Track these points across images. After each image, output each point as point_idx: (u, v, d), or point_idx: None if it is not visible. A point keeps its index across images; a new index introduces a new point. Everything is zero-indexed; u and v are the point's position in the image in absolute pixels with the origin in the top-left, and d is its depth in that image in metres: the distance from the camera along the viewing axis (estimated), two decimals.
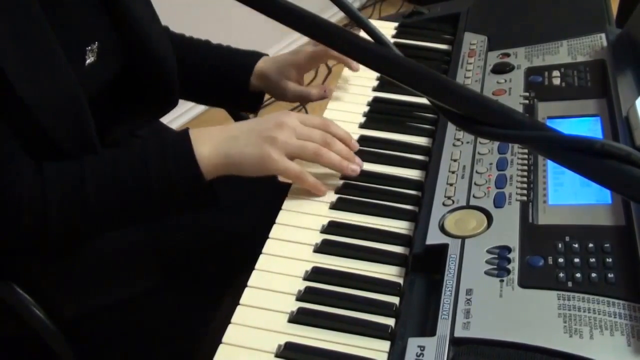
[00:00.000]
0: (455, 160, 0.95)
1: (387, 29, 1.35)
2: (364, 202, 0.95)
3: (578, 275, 0.73)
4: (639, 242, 0.74)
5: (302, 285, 0.82)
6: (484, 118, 0.47)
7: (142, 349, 1.04)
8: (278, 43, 2.79)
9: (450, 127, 1.02)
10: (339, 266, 0.85)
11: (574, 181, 0.86)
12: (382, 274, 0.84)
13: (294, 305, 0.80)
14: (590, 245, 0.76)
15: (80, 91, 0.90)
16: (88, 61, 0.95)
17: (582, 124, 0.97)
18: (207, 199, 0.93)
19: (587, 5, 1.24)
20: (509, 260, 0.77)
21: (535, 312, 0.71)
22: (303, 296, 0.81)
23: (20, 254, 0.96)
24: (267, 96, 1.25)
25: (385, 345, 0.75)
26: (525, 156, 0.92)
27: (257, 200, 1.11)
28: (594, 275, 0.73)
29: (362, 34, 0.53)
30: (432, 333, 0.71)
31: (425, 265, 0.82)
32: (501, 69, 1.12)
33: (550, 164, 0.90)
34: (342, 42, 0.51)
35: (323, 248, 0.87)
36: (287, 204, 0.95)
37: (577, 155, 0.44)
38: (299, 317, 0.78)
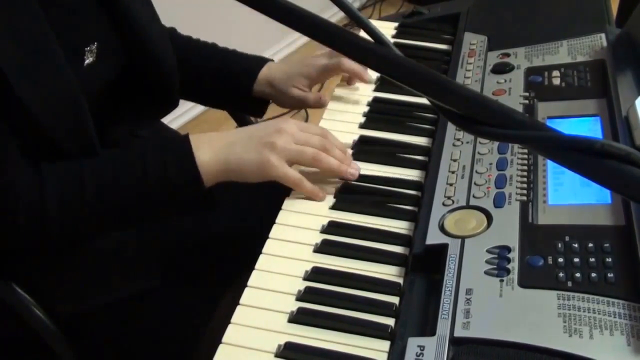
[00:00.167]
0: (455, 160, 0.95)
1: (387, 29, 1.35)
2: (364, 202, 0.95)
3: (578, 275, 0.73)
4: (639, 242, 0.74)
5: (302, 285, 0.82)
6: (484, 118, 0.47)
7: (141, 348, 1.04)
8: (278, 43, 2.80)
9: (450, 127, 1.02)
10: (339, 266, 0.85)
11: (574, 181, 0.86)
12: (382, 274, 0.84)
13: (294, 305, 0.80)
14: (590, 245, 0.76)
15: (80, 91, 0.90)
16: (87, 61, 0.95)
17: (582, 124, 0.97)
18: (205, 204, 0.93)
19: (587, 5, 1.24)
20: (508, 260, 0.77)
21: (535, 312, 0.71)
22: (303, 296, 0.81)
23: (19, 254, 0.96)
24: None
25: (385, 345, 0.75)
26: (525, 156, 0.92)
27: (256, 200, 1.11)
28: (593, 275, 0.73)
29: (362, 34, 0.54)
30: (432, 333, 0.71)
31: (425, 265, 0.82)
32: (501, 69, 1.12)
33: (550, 164, 0.90)
34: (342, 42, 0.51)
35: (323, 248, 0.87)
36: (287, 204, 0.95)
37: (577, 155, 0.44)
38: (299, 317, 0.78)
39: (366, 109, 1.15)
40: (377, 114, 1.14)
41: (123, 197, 0.90)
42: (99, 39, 0.97)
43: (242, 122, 1.37)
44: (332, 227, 0.90)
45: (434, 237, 0.83)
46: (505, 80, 1.10)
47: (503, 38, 1.20)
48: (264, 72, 1.18)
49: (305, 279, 0.83)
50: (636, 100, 0.92)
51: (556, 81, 1.06)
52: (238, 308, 0.80)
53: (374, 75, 1.20)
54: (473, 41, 1.22)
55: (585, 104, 1.00)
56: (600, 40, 1.12)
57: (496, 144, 0.95)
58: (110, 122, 1.03)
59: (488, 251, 0.79)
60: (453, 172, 0.93)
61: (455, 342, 0.70)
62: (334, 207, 0.94)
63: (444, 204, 0.88)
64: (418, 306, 0.78)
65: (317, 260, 0.86)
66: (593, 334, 0.67)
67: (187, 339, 1.03)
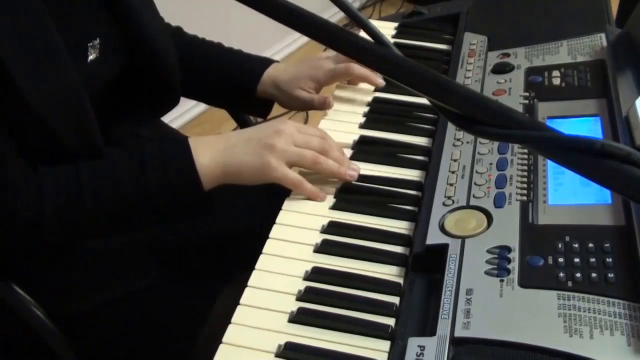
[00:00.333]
0: (455, 160, 0.95)
1: (387, 29, 1.35)
2: (364, 202, 0.95)
3: (578, 275, 0.73)
4: (639, 242, 0.74)
5: (302, 285, 0.82)
6: (484, 118, 0.47)
7: (141, 348, 1.04)
8: (278, 43, 2.80)
9: (450, 127, 1.02)
10: (339, 266, 0.85)
11: (574, 181, 0.86)
12: (382, 274, 0.84)
13: (294, 305, 0.80)
14: (590, 245, 0.76)
15: (82, 88, 0.90)
16: (90, 57, 0.95)
17: (582, 124, 0.97)
18: (204, 208, 0.93)
19: (587, 5, 1.24)
20: (509, 260, 0.77)
21: (535, 312, 0.71)
22: (303, 296, 0.81)
23: (17, 257, 0.96)
24: None
25: (386, 345, 0.75)
26: (525, 156, 0.92)
27: (256, 200, 1.11)
28: (594, 275, 0.73)
29: (362, 34, 0.54)
30: (432, 333, 0.71)
31: (425, 265, 0.82)
32: (501, 69, 1.12)
33: (550, 164, 0.90)
34: (342, 42, 0.51)
35: (323, 248, 0.87)
36: (287, 204, 0.95)
37: (577, 155, 0.44)
38: (299, 317, 0.78)
39: (366, 109, 1.15)
40: (377, 114, 1.14)
41: (122, 202, 0.90)
42: (101, 35, 0.97)
43: (242, 122, 1.37)
44: (332, 227, 0.90)
45: (434, 237, 0.83)
46: (505, 80, 1.10)
47: (503, 38, 1.20)
48: (269, 72, 1.18)
49: (306, 279, 0.83)
50: (636, 100, 0.92)
51: (556, 81, 1.06)
52: (238, 308, 0.80)
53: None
54: (473, 41, 1.22)
55: (585, 104, 1.00)
56: (600, 40, 1.12)
57: (496, 144, 0.95)
58: (111, 120, 1.03)
59: (488, 251, 0.79)
60: (453, 172, 0.93)
61: (455, 342, 0.70)
62: (334, 207, 0.94)
63: (444, 204, 0.88)
64: (418, 306, 0.78)
65: (317, 260, 0.86)
66: (593, 334, 0.67)
67: (187, 338, 1.04)
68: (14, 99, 0.84)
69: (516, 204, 0.85)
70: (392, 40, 1.14)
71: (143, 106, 1.12)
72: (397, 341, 0.74)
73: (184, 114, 2.45)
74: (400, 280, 0.83)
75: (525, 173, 0.90)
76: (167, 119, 1.28)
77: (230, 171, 0.92)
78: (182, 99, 1.16)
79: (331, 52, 1.19)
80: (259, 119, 1.35)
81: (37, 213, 0.86)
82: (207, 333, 1.01)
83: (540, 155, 0.90)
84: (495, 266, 0.77)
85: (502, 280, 0.75)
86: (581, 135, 0.45)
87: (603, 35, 1.13)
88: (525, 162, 0.91)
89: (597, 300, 0.70)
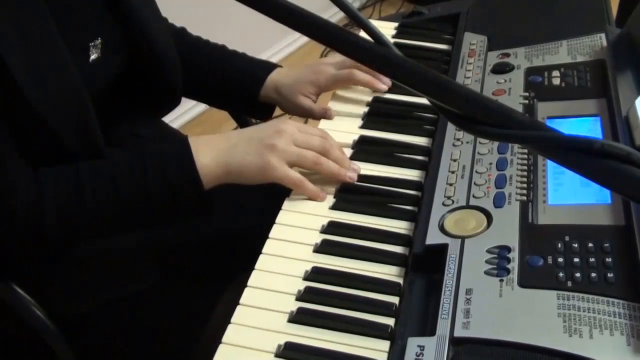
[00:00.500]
0: (455, 160, 0.95)
1: (387, 29, 1.35)
2: (364, 202, 0.95)
3: (578, 275, 0.73)
4: (639, 242, 0.74)
5: (302, 285, 0.82)
6: (484, 118, 0.47)
7: (141, 348, 1.04)
8: (278, 43, 2.80)
9: (450, 127, 1.02)
10: (339, 266, 0.85)
11: (574, 181, 0.86)
12: (382, 274, 0.84)
13: (294, 305, 0.80)
14: (590, 245, 0.76)
15: (83, 87, 0.90)
16: (92, 57, 0.95)
17: (582, 124, 0.97)
18: (204, 209, 0.93)
19: (587, 5, 1.24)
20: (508, 260, 0.77)
21: (535, 311, 0.71)
22: (303, 296, 0.81)
23: (18, 257, 0.96)
24: None
25: (385, 345, 0.75)
26: (525, 156, 0.92)
27: (256, 200, 1.11)
28: (593, 275, 0.73)
29: (362, 34, 0.54)
30: (432, 333, 0.71)
31: (425, 265, 0.82)
32: (501, 69, 1.12)
33: (550, 164, 0.90)
34: (342, 42, 0.51)
35: (323, 248, 0.87)
36: (287, 204, 0.95)
37: (577, 155, 0.44)
38: (299, 317, 0.78)
39: (366, 109, 1.15)
40: (377, 114, 1.14)
41: (122, 201, 0.90)
42: (103, 35, 0.97)
43: (242, 122, 1.37)
44: (332, 227, 0.90)
45: (434, 237, 0.83)
46: (505, 80, 1.10)
47: (503, 38, 1.20)
48: (272, 77, 1.18)
49: (305, 279, 0.83)
50: (636, 100, 0.92)
51: (556, 81, 1.06)
52: (238, 308, 0.80)
53: (388, 82, 1.17)
54: (473, 41, 1.22)
55: (585, 104, 1.00)
56: (600, 40, 1.12)
57: (496, 144, 0.95)
58: (112, 120, 1.03)
59: (488, 251, 0.79)
60: (453, 172, 0.93)
61: (455, 342, 0.70)
62: (334, 207, 0.94)
63: (443, 204, 0.88)
64: (418, 306, 0.78)
65: (317, 260, 0.86)
66: (593, 334, 0.68)
67: (187, 338, 1.04)
68: (15, 98, 0.84)
69: (516, 204, 0.85)
70: (392, 40, 1.14)
71: (144, 106, 1.12)
72: (396, 341, 0.74)
73: (184, 114, 2.45)
74: (400, 280, 0.83)
75: (525, 173, 0.90)
76: (167, 119, 1.28)
77: (232, 171, 0.92)
78: (183, 99, 1.16)
79: (333, 57, 1.19)
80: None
81: (37, 213, 0.86)
82: (207, 333, 1.01)
83: (540, 155, 0.90)
84: (495, 266, 0.77)
85: (501, 280, 0.75)
86: (581, 135, 0.45)
87: (603, 35, 1.13)
88: (525, 162, 0.91)
89: (597, 300, 0.71)
